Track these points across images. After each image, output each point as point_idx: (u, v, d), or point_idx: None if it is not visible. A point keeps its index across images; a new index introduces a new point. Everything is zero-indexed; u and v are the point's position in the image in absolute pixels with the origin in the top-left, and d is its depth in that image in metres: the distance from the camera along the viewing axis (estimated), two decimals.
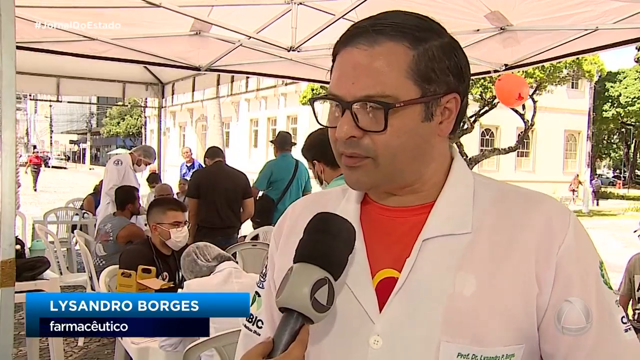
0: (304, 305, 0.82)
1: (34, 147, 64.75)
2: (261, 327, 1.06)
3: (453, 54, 0.91)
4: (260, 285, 1.09)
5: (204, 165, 11.63)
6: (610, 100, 29.15)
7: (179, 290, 2.74)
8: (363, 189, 0.95)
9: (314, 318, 0.83)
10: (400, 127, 0.87)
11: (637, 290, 3.57)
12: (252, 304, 1.09)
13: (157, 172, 9.06)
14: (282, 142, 6.05)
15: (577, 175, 26.49)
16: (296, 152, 6.24)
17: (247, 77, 8.15)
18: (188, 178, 10.44)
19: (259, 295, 1.09)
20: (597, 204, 25.87)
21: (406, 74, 0.87)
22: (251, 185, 5.59)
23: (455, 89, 0.91)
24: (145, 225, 4.06)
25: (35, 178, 24.39)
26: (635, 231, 3.51)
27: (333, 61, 0.93)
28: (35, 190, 23.17)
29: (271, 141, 6.28)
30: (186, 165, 11.24)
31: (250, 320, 1.08)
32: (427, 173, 0.94)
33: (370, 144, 0.88)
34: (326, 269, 0.84)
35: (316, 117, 0.96)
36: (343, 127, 0.88)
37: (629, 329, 0.90)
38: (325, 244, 0.86)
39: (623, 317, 0.90)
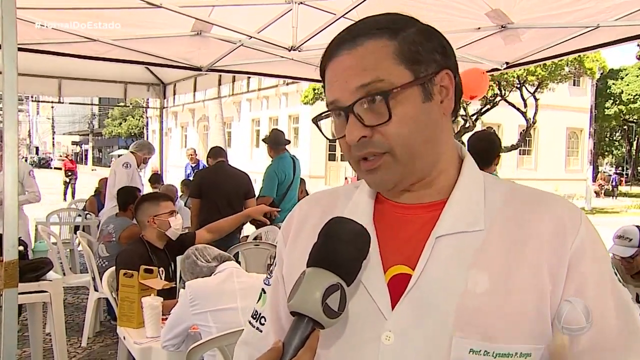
0: (315, 310, 0.81)
1: (37, 148, 64.94)
2: (264, 324, 1.06)
3: (432, 35, 0.93)
4: (267, 282, 1.10)
5: (205, 167, 11.69)
6: (612, 98, 29.12)
7: (181, 291, 2.74)
8: (388, 188, 0.95)
9: (325, 324, 0.82)
10: (404, 113, 0.88)
11: None
12: (258, 300, 1.10)
13: (159, 172, 9.07)
14: (277, 141, 6.02)
15: (603, 172, 27.62)
16: (296, 151, 6.30)
17: (249, 77, 8.15)
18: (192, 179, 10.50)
19: (265, 292, 1.09)
20: (615, 198, 28.15)
21: (394, 60, 0.88)
22: (256, 193, 5.59)
23: (444, 65, 0.92)
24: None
25: (72, 186, 21.28)
26: None
27: (323, 79, 0.95)
28: (73, 199, 19.25)
29: (263, 140, 6.21)
30: (191, 166, 11.27)
31: (254, 316, 1.09)
32: (441, 160, 0.95)
33: (381, 139, 0.88)
34: (339, 274, 0.83)
35: (322, 132, 0.99)
36: (352, 131, 0.89)
37: None
38: (339, 250, 0.85)
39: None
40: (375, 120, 0.88)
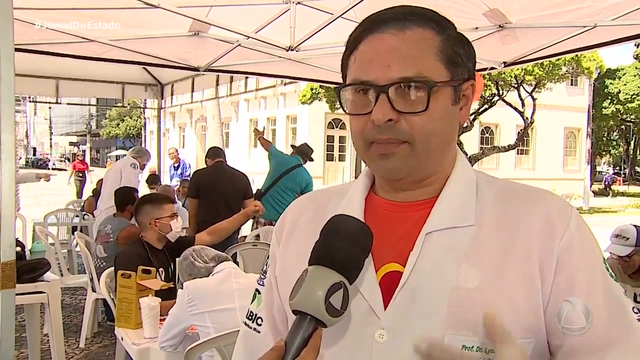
0: (318, 309, 0.80)
1: (34, 149, 64.81)
2: (261, 325, 1.06)
3: (468, 44, 0.94)
4: (261, 283, 1.09)
5: (187, 165, 11.75)
6: (609, 97, 29.10)
7: (179, 291, 2.73)
8: (398, 177, 0.93)
9: (327, 322, 0.82)
10: (437, 109, 0.88)
11: None
12: (252, 301, 1.09)
13: (156, 173, 9.07)
14: (301, 150, 6.45)
15: (599, 172, 29.24)
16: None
17: (246, 77, 8.15)
18: (176, 179, 10.56)
19: (259, 293, 1.08)
20: (608, 197, 28.60)
21: (437, 57, 0.88)
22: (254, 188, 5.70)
23: (472, 76, 0.94)
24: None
25: (80, 190, 18.98)
26: None
27: (353, 49, 0.92)
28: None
29: (292, 145, 6.70)
30: (173, 166, 11.27)
31: (250, 317, 1.08)
32: (445, 162, 0.95)
33: (406, 127, 0.87)
34: (342, 273, 0.83)
35: (342, 107, 0.95)
36: (379, 111, 0.86)
37: None
38: (341, 247, 0.84)
39: (633, 307, 0.90)
40: (408, 108, 0.87)
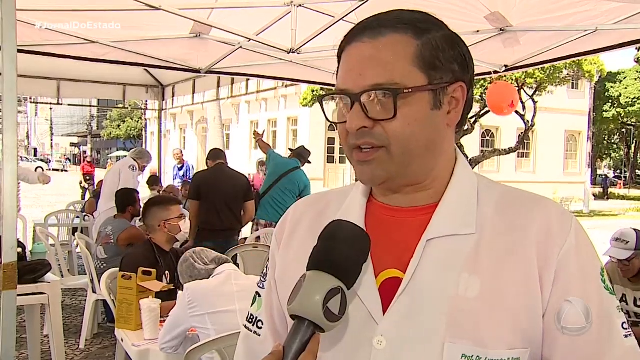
0: (316, 314, 0.80)
1: (35, 150, 64.82)
2: (261, 328, 1.06)
3: (456, 44, 0.93)
4: (261, 286, 1.09)
5: (191, 167, 11.76)
6: (610, 101, 29.15)
7: (179, 293, 2.74)
8: (377, 183, 0.94)
9: (326, 327, 0.82)
10: (409, 114, 0.87)
11: (621, 302, 3.56)
12: (252, 304, 1.09)
13: (157, 174, 9.07)
14: (298, 153, 6.45)
15: (599, 175, 30.21)
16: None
17: (247, 79, 8.18)
18: (179, 180, 10.55)
19: (260, 296, 1.08)
20: (607, 200, 28.96)
21: (412, 62, 0.88)
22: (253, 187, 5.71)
23: (460, 78, 0.92)
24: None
25: (90, 192, 15.90)
26: None
27: (339, 61, 0.94)
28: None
29: (290, 149, 6.69)
30: (177, 167, 11.28)
31: (250, 320, 1.08)
32: (436, 168, 0.94)
33: (382, 132, 0.88)
34: (340, 278, 0.83)
35: (325, 115, 0.98)
36: (353, 119, 0.88)
37: (629, 334, 0.89)
38: (339, 253, 0.84)
39: (624, 322, 0.89)
40: (379, 115, 0.87)
